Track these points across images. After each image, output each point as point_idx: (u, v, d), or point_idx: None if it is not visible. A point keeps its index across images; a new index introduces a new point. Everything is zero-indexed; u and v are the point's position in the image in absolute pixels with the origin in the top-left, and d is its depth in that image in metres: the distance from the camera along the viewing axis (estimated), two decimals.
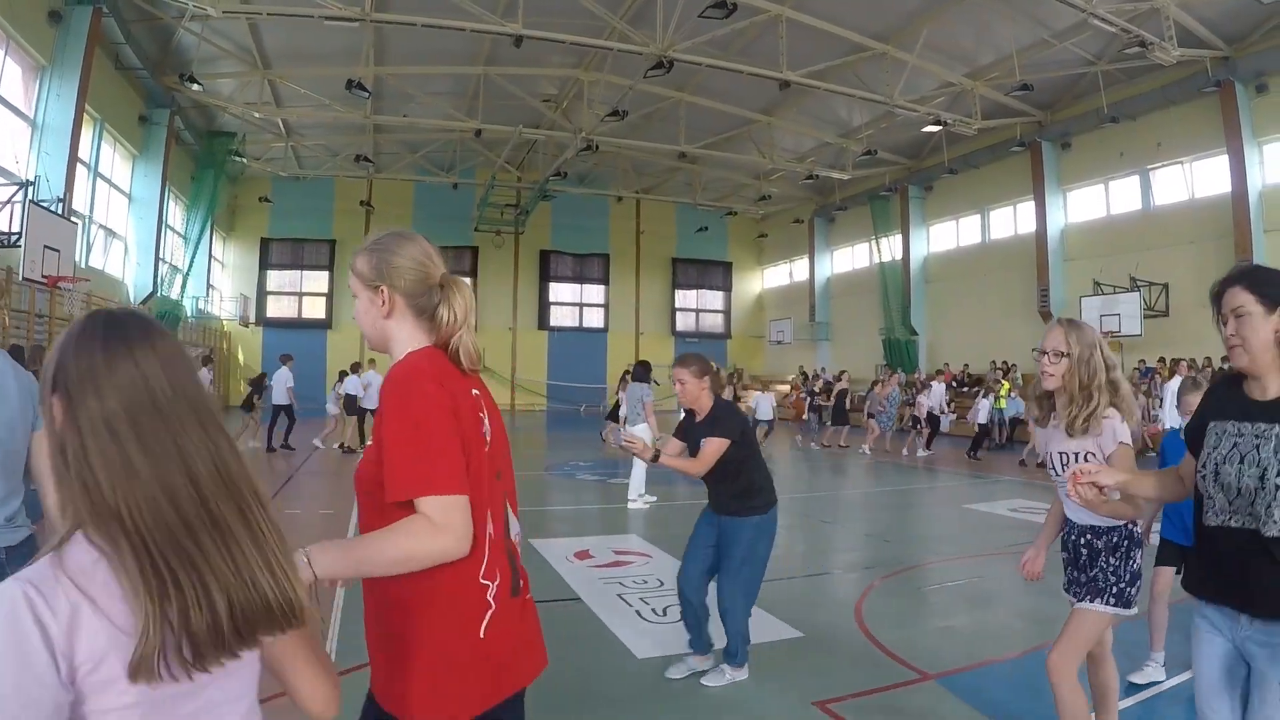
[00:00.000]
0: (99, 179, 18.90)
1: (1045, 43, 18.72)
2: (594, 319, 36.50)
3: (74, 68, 15.70)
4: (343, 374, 17.59)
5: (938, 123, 21.92)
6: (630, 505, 10.70)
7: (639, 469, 10.85)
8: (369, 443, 2.01)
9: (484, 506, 1.82)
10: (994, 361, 22.78)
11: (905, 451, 18.44)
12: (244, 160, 26.77)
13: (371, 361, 18.19)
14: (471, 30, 17.21)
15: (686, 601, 4.65)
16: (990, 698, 4.37)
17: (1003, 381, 19.96)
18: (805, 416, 26.54)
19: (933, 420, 19.10)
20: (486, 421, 1.94)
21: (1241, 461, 2.27)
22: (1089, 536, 3.27)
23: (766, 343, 37.23)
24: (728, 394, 19.60)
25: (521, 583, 1.95)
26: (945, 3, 18.08)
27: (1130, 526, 3.22)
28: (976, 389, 21.30)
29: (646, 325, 36.79)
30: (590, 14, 17.46)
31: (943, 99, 21.84)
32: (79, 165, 16.63)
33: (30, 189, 13.80)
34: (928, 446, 18.83)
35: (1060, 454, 3.29)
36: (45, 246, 13.25)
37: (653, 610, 5.74)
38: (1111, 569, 3.20)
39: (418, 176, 30.60)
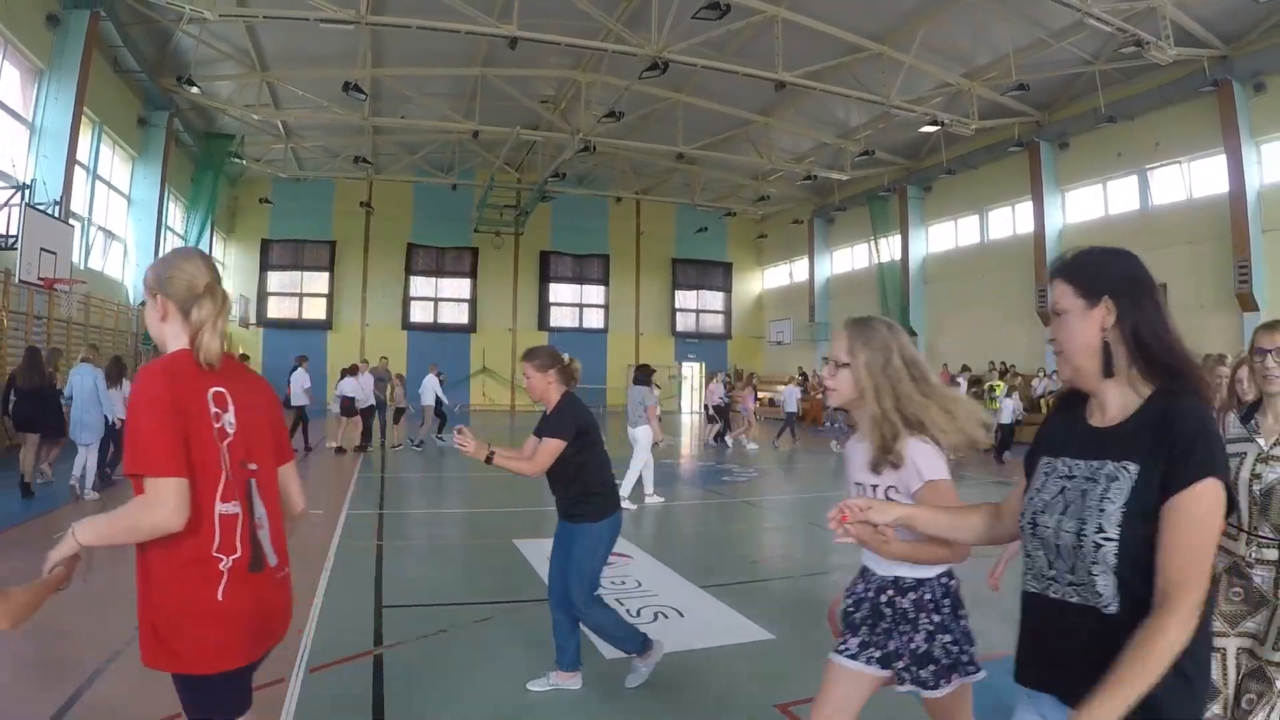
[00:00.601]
0: (98, 181, 18.98)
1: (1042, 42, 18.71)
2: (594, 320, 36.54)
3: (72, 71, 15.80)
4: (344, 372, 17.60)
5: (935, 123, 21.93)
6: (648, 500, 10.88)
7: (644, 469, 10.92)
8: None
9: (213, 489, 2.15)
10: (991, 362, 22.75)
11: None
12: (243, 162, 26.92)
13: (365, 362, 18.25)
14: (466, 32, 17.26)
15: (553, 616, 4.54)
16: None
17: (998, 383, 19.87)
18: (829, 419, 26.42)
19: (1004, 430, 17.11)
20: (230, 415, 2.25)
21: (1064, 512, 1.75)
22: (890, 593, 2.60)
23: (766, 343, 37.26)
24: (746, 393, 19.43)
25: (271, 561, 2.29)
26: (941, 3, 18.09)
27: (945, 580, 2.59)
28: (975, 389, 21.26)
29: (646, 326, 36.83)
30: (586, 15, 17.51)
31: (940, 99, 21.86)
32: (78, 168, 16.72)
33: (27, 192, 13.88)
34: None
35: (857, 485, 2.69)
36: (41, 249, 13.32)
37: (627, 611, 5.75)
38: (950, 638, 2.53)
39: (417, 178, 30.72)
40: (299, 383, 16.61)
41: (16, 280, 13.40)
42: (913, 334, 27.68)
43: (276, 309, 32.37)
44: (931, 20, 18.55)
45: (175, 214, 24.55)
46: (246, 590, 2.18)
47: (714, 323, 38.80)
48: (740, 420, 20.78)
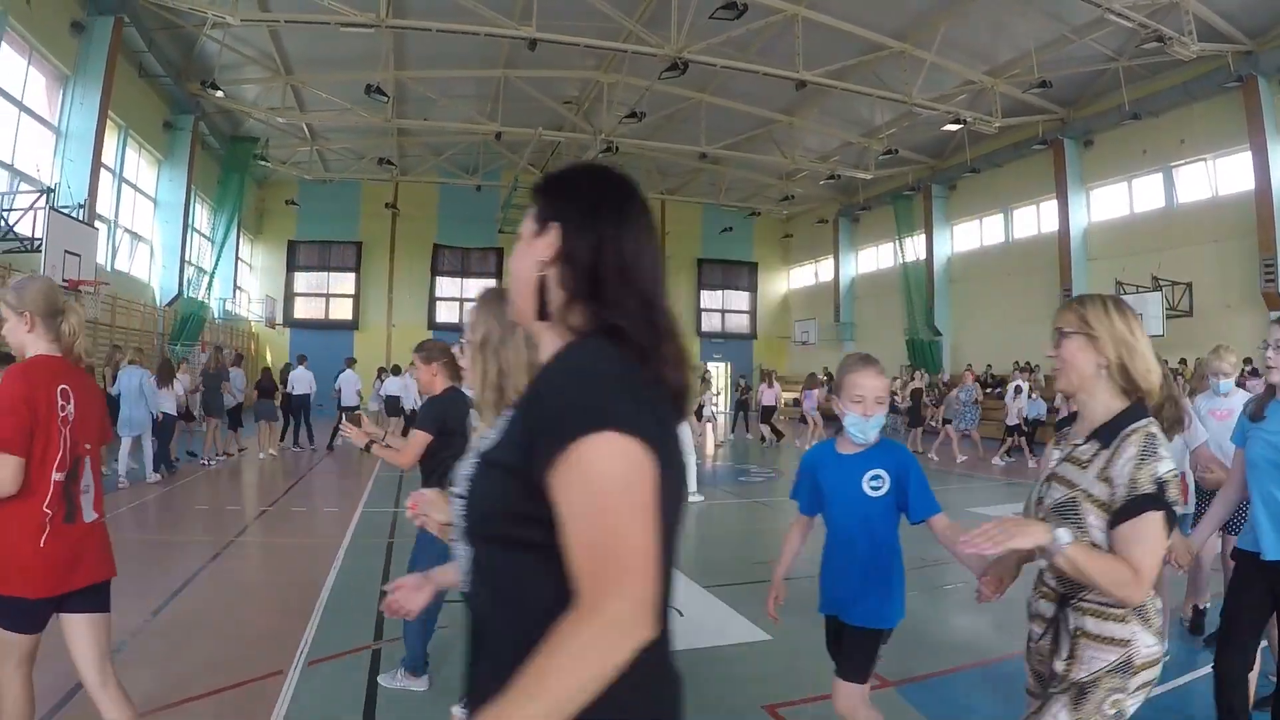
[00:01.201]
0: (124, 184, 19.26)
1: (1064, 39, 18.51)
2: None
3: (97, 76, 16.04)
4: (381, 371, 17.70)
5: (958, 121, 21.75)
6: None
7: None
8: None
9: (51, 461, 2.81)
10: (1016, 362, 22.47)
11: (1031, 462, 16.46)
12: (269, 164, 27.15)
13: (409, 365, 18.40)
14: (486, 35, 17.31)
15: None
16: (942, 706, 4.37)
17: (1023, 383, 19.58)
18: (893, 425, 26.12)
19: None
20: (71, 406, 2.90)
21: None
22: None
23: (791, 343, 37.08)
24: (767, 395, 19.15)
25: (88, 517, 2.95)
26: (962, 0, 17.93)
27: None
28: (999, 389, 21.08)
29: None
30: (604, 16, 17.50)
31: (963, 97, 21.65)
32: (104, 171, 16.98)
33: (51, 195, 14.11)
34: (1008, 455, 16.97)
35: None
36: (66, 251, 13.53)
37: None
38: None
39: (442, 179, 30.80)
40: (350, 383, 16.75)
41: None
42: (937, 334, 27.50)
43: (303, 309, 32.66)
44: (952, 18, 18.36)
45: (201, 216, 24.85)
46: (61, 538, 2.81)
47: (739, 323, 38.67)
48: (810, 422, 20.47)
